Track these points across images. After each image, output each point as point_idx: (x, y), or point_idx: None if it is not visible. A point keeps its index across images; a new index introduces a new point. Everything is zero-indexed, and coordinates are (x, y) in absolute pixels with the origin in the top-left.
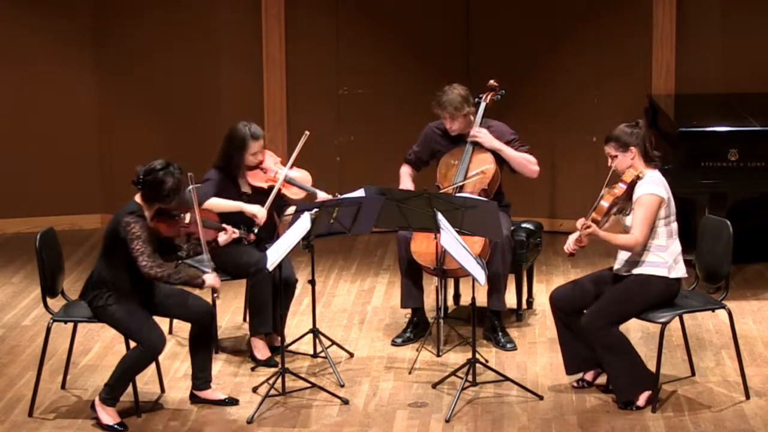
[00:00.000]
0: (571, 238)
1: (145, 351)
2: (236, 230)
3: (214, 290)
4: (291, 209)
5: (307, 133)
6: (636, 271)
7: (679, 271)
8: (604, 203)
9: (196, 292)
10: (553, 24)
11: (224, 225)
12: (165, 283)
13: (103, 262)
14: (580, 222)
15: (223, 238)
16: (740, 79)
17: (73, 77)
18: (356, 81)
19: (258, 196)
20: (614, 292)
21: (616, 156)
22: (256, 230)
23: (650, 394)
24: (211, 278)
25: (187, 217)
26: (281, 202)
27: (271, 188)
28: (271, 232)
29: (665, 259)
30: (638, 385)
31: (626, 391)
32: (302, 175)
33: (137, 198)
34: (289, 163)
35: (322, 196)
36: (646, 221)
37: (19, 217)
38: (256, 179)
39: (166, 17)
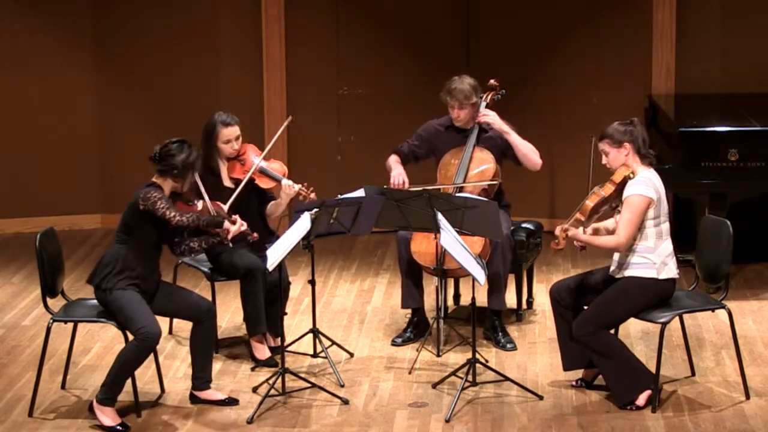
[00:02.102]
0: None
1: (141, 342)
2: (244, 223)
3: (248, 235)
4: (272, 203)
5: (291, 117)
6: (625, 273)
7: (670, 272)
8: (590, 203)
9: (198, 290)
10: (553, 24)
11: (234, 217)
12: (196, 228)
13: (116, 245)
14: (558, 229)
15: (233, 228)
16: (740, 79)
17: (73, 77)
18: (356, 81)
19: None
20: (603, 296)
21: (609, 153)
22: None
23: (650, 393)
24: (235, 225)
25: (199, 205)
26: (266, 197)
27: (249, 180)
28: (265, 234)
29: (653, 260)
30: (636, 386)
31: (624, 394)
32: (275, 165)
33: (154, 178)
34: (264, 153)
35: (285, 183)
36: (631, 223)
37: (19, 217)
38: (235, 172)
39: (166, 17)
